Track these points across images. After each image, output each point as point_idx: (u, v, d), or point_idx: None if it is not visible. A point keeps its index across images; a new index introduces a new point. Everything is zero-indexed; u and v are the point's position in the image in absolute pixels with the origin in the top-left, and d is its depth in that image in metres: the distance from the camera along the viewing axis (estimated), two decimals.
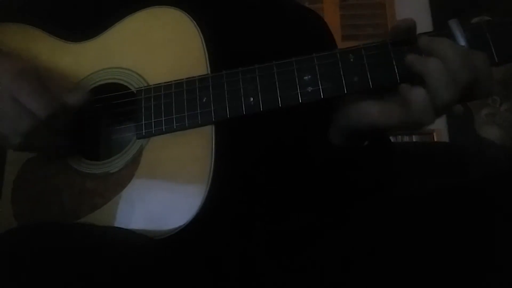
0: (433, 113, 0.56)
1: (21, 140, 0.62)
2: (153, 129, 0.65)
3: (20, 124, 0.61)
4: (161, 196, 0.63)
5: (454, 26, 0.59)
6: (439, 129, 2.44)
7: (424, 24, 2.55)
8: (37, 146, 0.65)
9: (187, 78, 0.65)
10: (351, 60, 0.61)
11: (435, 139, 2.40)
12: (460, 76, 0.55)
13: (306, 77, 0.62)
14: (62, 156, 0.68)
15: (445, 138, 2.48)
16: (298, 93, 0.61)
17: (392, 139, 2.38)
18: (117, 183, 0.64)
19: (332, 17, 2.57)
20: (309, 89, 0.61)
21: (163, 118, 0.65)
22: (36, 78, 0.63)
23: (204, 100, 0.64)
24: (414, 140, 2.40)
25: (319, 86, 0.61)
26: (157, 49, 0.68)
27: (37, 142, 0.64)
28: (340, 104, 0.65)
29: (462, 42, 0.58)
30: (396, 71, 0.60)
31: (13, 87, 0.61)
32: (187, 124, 0.64)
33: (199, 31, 0.67)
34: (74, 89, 0.67)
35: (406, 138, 2.41)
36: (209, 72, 0.65)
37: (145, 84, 0.67)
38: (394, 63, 0.60)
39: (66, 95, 0.64)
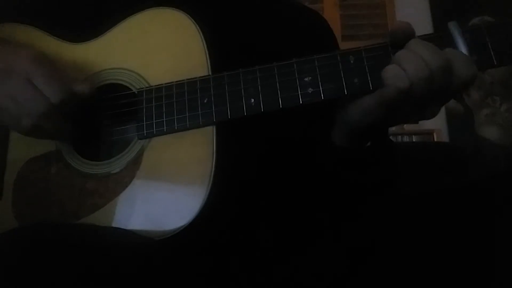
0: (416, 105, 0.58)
1: (32, 122, 0.63)
2: (154, 129, 0.65)
3: (33, 106, 0.63)
4: (162, 197, 0.63)
5: (454, 28, 0.60)
6: (439, 129, 2.44)
7: (424, 24, 2.56)
8: (46, 130, 0.66)
9: (188, 79, 0.65)
10: (351, 61, 0.61)
11: (435, 139, 2.39)
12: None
13: (306, 78, 0.62)
14: (69, 141, 0.69)
15: (445, 138, 2.48)
16: (298, 94, 0.62)
17: (392, 139, 2.39)
18: (118, 183, 0.64)
19: (332, 17, 2.57)
20: (310, 90, 0.62)
21: (164, 119, 0.65)
22: (52, 63, 0.66)
23: (205, 101, 0.64)
24: (414, 140, 2.40)
25: (319, 88, 0.61)
26: (158, 50, 0.69)
27: (46, 125, 0.65)
28: (340, 103, 0.65)
29: (461, 44, 0.59)
30: None
31: (29, 70, 0.63)
32: (188, 125, 0.64)
33: (200, 32, 0.67)
34: (84, 80, 0.69)
35: (406, 138, 2.41)
36: (210, 73, 0.65)
37: (146, 85, 0.67)
38: None
39: (76, 84, 0.66)
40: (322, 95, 0.61)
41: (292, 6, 0.88)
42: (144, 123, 0.66)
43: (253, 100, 0.63)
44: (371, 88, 0.60)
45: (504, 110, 2.56)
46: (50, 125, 0.65)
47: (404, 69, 0.57)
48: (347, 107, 0.63)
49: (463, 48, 0.59)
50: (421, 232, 0.58)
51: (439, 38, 0.60)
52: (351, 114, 0.63)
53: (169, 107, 0.65)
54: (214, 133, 0.63)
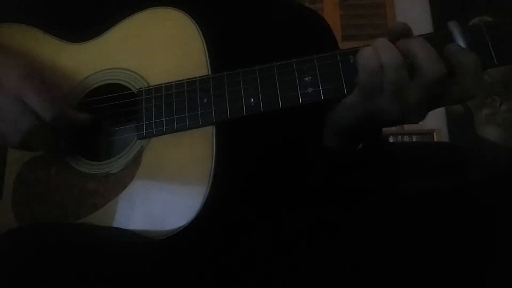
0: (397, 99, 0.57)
1: (21, 138, 0.63)
2: (154, 129, 0.65)
3: (22, 123, 0.62)
4: (162, 197, 0.63)
5: (454, 27, 0.60)
6: (439, 129, 2.44)
7: (424, 24, 2.56)
8: (36, 145, 0.66)
9: (188, 79, 0.65)
10: (351, 61, 0.61)
11: (435, 139, 2.39)
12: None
13: (306, 78, 0.62)
14: (61, 153, 0.68)
15: (445, 138, 2.48)
16: (298, 94, 0.62)
17: (391, 139, 2.40)
18: (118, 183, 0.64)
19: (332, 17, 2.57)
20: (310, 90, 0.61)
21: (163, 119, 0.65)
22: (42, 79, 0.65)
23: (204, 101, 0.64)
24: (414, 140, 2.40)
25: (319, 87, 0.61)
26: (158, 50, 0.69)
27: (36, 141, 0.65)
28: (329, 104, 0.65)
29: (461, 43, 0.59)
30: None
31: (19, 86, 0.62)
32: (187, 125, 0.64)
33: (200, 32, 0.67)
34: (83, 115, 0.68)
35: (406, 138, 2.41)
36: (209, 73, 0.65)
37: (146, 85, 0.67)
38: None
39: (74, 112, 0.66)
40: (322, 95, 0.61)
41: (292, 6, 0.88)
42: (144, 123, 0.66)
43: (252, 100, 0.63)
44: None
45: (504, 110, 2.56)
46: (40, 140, 0.65)
47: (378, 53, 0.56)
48: (334, 106, 0.63)
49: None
50: (421, 232, 0.58)
51: (439, 37, 0.60)
52: (336, 111, 0.63)
53: (169, 107, 0.65)
54: (214, 133, 0.63)
